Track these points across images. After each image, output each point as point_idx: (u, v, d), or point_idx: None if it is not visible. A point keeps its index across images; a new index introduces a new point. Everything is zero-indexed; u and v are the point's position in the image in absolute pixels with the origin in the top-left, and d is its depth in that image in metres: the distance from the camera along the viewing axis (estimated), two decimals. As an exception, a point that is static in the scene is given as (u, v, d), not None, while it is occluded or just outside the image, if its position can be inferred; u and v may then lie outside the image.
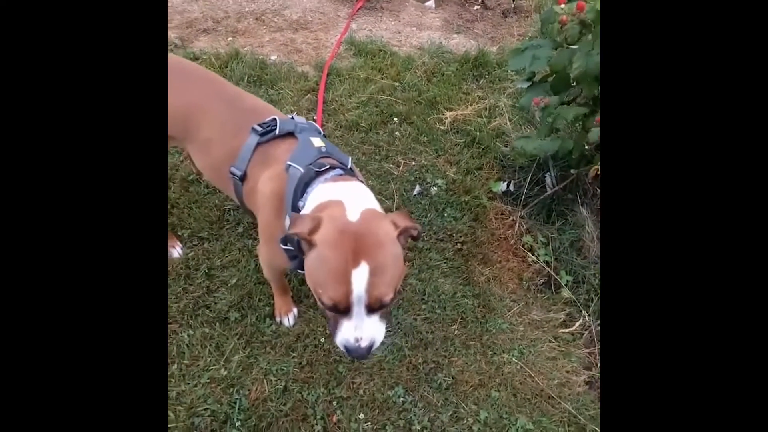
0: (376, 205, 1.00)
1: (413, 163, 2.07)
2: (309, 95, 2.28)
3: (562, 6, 1.04)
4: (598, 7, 1.03)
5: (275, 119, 1.16)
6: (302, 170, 1.06)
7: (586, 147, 1.39)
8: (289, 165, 1.08)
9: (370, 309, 0.88)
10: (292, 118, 1.20)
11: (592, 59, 1.14)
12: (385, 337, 0.97)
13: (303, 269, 0.98)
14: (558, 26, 1.08)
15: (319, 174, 1.06)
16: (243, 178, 1.15)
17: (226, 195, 1.76)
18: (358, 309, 0.88)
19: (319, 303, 0.92)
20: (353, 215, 0.91)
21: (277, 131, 1.14)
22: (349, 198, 0.97)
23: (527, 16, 3.09)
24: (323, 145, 1.14)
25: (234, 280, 1.57)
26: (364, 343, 0.91)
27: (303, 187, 1.04)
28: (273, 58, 2.50)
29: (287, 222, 1.05)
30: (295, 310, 1.51)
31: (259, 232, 1.22)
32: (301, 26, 2.80)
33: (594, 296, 1.67)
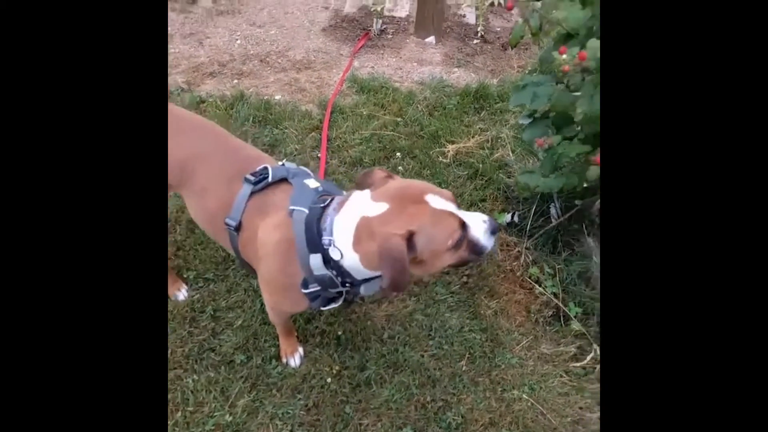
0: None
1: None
2: (313, 133, 2.33)
3: (564, 56, 1.06)
4: (599, 55, 1.05)
5: (266, 167, 1.16)
6: (307, 211, 1.05)
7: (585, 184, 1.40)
8: (293, 209, 1.07)
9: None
10: (283, 164, 1.21)
11: (595, 103, 1.16)
12: None
13: (327, 305, 1.12)
14: (560, 73, 1.10)
15: (324, 209, 1.05)
16: (238, 228, 1.15)
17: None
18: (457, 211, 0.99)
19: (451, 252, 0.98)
20: (378, 208, 0.97)
21: (269, 178, 1.15)
22: (365, 209, 0.98)
23: (526, 49, 3.16)
24: (318, 185, 1.15)
25: (240, 321, 1.57)
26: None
27: (317, 224, 1.03)
28: (277, 98, 2.57)
29: (314, 260, 1.03)
30: (300, 350, 1.51)
31: (262, 283, 1.21)
32: (304, 66, 2.89)
33: (604, 328, 1.64)
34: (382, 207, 0.97)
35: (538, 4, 1.26)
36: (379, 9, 3.06)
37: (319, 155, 2.18)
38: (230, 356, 1.48)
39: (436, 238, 0.95)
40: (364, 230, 0.97)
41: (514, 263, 1.86)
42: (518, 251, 1.88)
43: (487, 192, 2.12)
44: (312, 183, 1.14)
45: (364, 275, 1.05)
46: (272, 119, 2.36)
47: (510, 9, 1.25)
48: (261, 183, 1.14)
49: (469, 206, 2.06)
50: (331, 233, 1.01)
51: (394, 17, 3.34)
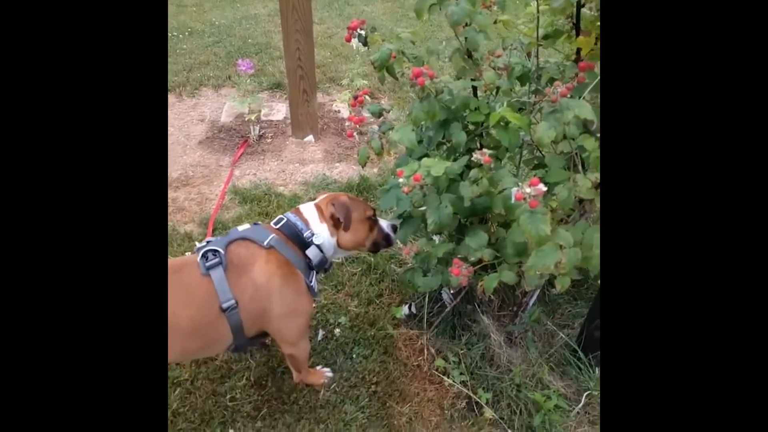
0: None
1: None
2: (195, 257, 2.20)
3: (401, 179, 1.12)
4: (434, 173, 1.11)
5: (210, 249, 1.29)
6: (278, 235, 1.37)
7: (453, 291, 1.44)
8: (269, 243, 1.34)
9: None
10: (208, 242, 1.35)
11: (444, 212, 1.22)
12: None
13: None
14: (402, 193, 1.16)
15: (287, 223, 1.42)
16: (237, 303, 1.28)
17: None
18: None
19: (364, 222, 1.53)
20: (320, 198, 1.55)
21: (222, 251, 1.29)
22: (306, 206, 1.50)
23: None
24: (248, 225, 1.43)
25: None
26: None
27: (292, 230, 1.40)
28: (153, 224, 2.43)
29: (312, 252, 1.41)
30: (322, 368, 1.75)
31: (286, 318, 1.40)
32: (182, 183, 2.80)
33: (516, 409, 1.64)
34: (322, 197, 1.53)
35: (376, 126, 1.34)
36: (254, 117, 3.11)
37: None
38: None
39: (359, 206, 1.51)
40: (320, 208, 1.47)
41: (420, 358, 1.83)
42: (421, 344, 1.87)
43: (383, 286, 2.11)
44: (245, 227, 1.41)
45: (329, 245, 1.46)
46: (147, 250, 2.20)
47: (350, 137, 1.31)
48: (221, 259, 1.28)
49: (368, 304, 2.03)
50: (307, 228, 1.41)
51: (272, 121, 3.42)
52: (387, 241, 1.59)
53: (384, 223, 1.58)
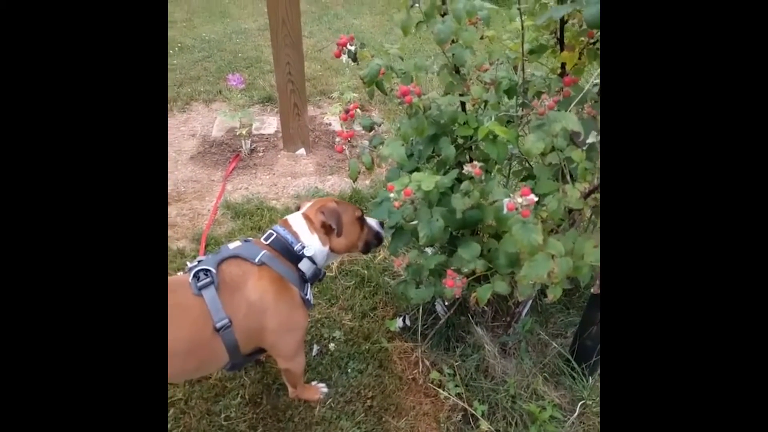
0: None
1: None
2: (187, 273, 2.19)
3: (391, 194, 1.13)
4: (425, 187, 1.12)
5: (201, 269, 1.27)
6: (269, 251, 1.36)
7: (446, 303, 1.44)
8: (260, 259, 1.33)
9: None
10: (199, 261, 1.33)
11: (435, 225, 1.22)
12: None
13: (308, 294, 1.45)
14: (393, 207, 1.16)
15: (277, 237, 1.40)
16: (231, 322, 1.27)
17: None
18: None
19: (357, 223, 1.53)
20: (307, 206, 1.53)
21: (213, 270, 1.28)
22: (295, 217, 1.48)
23: (391, 146, 3.39)
24: (238, 242, 1.42)
25: None
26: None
27: (283, 245, 1.39)
28: (145, 241, 2.42)
29: (305, 265, 1.40)
30: (318, 383, 1.75)
31: (282, 333, 1.40)
32: (174, 199, 2.79)
33: (511, 421, 1.63)
34: (308, 204, 1.52)
35: (366, 141, 1.35)
36: (245, 131, 3.12)
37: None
38: None
39: (347, 209, 1.51)
40: (309, 218, 1.46)
41: (415, 371, 1.82)
42: (416, 357, 1.86)
43: (377, 299, 2.11)
44: (235, 244, 1.40)
45: (321, 255, 1.46)
46: (139, 268, 2.18)
47: (340, 152, 1.32)
48: (213, 278, 1.27)
49: (362, 317, 2.03)
50: (297, 241, 1.40)
51: (263, 135, 3.43)
52: (378, 239, 1.59)
53: (372, 222, 1.58)
